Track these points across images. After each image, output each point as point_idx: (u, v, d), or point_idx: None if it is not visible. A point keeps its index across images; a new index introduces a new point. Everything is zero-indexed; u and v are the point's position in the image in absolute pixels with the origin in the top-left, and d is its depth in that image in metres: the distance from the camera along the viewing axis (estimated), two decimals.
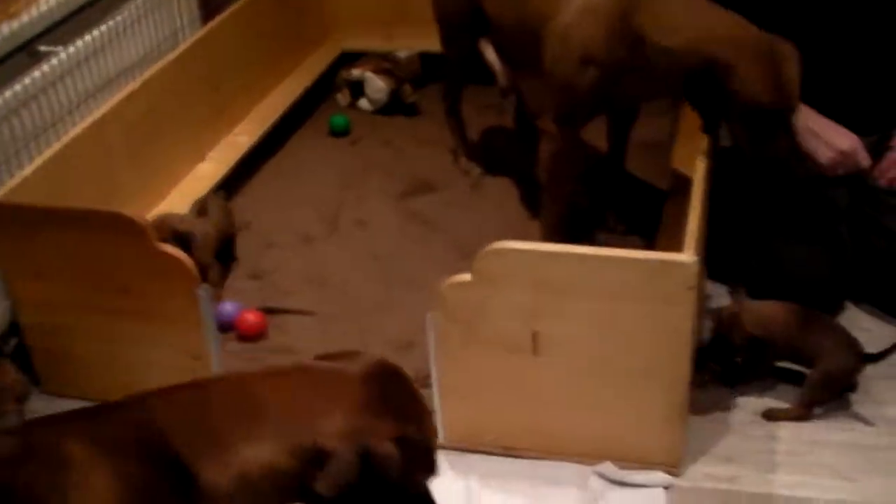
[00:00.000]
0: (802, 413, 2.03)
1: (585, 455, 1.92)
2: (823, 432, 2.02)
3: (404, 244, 2.59)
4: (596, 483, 1.89)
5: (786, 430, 2.03)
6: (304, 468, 1.28)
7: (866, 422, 2.03)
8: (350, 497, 1.30)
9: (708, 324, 2.13)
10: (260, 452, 1.27)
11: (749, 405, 2.09)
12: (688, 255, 1.72)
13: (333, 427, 1.29)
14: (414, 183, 2.84)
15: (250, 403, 1.31)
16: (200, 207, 2.50)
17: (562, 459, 1.94)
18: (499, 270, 1.80)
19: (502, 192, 2.78)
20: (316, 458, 1.28)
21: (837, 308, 2.31)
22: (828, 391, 2.04)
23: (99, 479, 1.22)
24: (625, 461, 1.91)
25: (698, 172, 2.01)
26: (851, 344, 2.04)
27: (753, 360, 2.09)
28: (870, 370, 2.06)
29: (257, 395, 1.32)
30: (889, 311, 2.31)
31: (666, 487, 1.89)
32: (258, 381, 1.35)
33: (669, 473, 1.91)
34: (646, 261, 1.74)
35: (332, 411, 1.30)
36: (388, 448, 1.30)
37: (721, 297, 2.34)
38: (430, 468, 1.38)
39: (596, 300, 1.77)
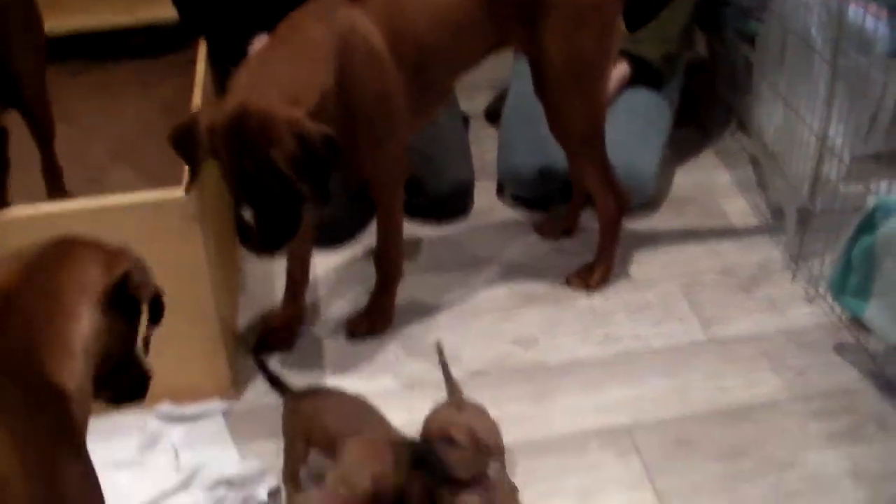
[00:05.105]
0: None
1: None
2: None
3: None
4: (154, 424, 1.97)
5: None
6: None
7: None
8: None
9: None
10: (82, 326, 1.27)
11: None
12: (183, 191, 1.84)
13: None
14: None
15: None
16: None
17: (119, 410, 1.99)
18: (14, 239, 1.83)
19: None
20: None
21: None
22: None
23: None
24: (181, 398, 2.01)
25: None
26: None
27: None
28: None
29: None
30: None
31: (225, 413, 2.01)
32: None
33: (226, 399, 2.03)
34: (143, 203, 1.85)
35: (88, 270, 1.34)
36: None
37: None
38: None
39: None
